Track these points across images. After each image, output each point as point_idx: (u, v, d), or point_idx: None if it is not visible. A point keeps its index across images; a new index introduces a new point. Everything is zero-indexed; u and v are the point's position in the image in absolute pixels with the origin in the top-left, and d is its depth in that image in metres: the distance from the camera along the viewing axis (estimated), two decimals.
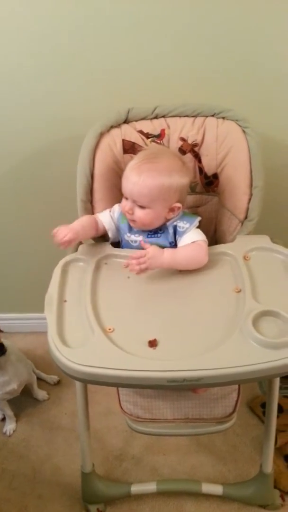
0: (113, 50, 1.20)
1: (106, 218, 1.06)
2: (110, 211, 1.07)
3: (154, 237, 1.02)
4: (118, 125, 1.08)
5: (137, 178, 0.94)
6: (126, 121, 1.09)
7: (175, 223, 1.00)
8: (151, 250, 0.93)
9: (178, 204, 0.98)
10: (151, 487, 1.26)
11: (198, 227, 1.00)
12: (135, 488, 1.26)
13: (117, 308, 0.91)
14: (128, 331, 0.85)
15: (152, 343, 0.82)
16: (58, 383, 1.67)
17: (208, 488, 1.26)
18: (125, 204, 0.99)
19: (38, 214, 1.55)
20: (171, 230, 1.01)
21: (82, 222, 1.04)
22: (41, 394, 1.62)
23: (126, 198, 0.98)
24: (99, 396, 1.53)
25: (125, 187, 0.97)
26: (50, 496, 1.34)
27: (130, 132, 1.08)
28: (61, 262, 1.01)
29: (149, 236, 1.02)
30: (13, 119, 1.35)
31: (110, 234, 1.07)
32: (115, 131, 1.07)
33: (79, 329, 0.86)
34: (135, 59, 1.21)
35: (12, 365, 1.41)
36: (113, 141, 1.07)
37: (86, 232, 1.04)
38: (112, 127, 1.07)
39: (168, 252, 0.94)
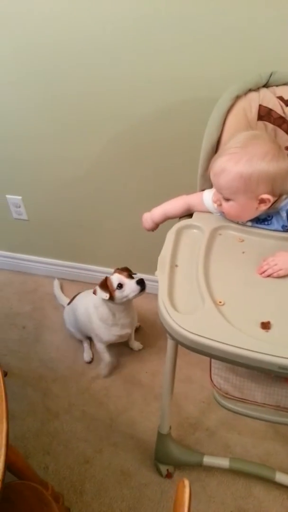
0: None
1: (209, 200, 1.02)
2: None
3: (263, 224, 0.97)
4: (257, 89, 1.01)
5: (215, 169, 0.90)
6: (266, 85, 1.01)
7: None
8: (280, 258, 0.87)
9: (267, 196, 0.90)
10: (224, 462, 1.25)
11: None
12: (208, 460, 1.26)
13: (229, 282, 0.88)
14: (240, 308, 0.81)
15: (265, 325, 0.78)
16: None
17: (282, 477, 1.23)
18: (215, 194, 0.96)
19: (152, 177, 1.53)
20: (284, 214, 0.95)
21: (170, 209, 1.07)
22: (136, 344, 1.69)
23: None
24: (181, 362, 1.53)
25: (211, 178, 0.94)
26: (123, 446, 1.40)
27: (268, 98, 1.00)
28: (176, 226, 1.00)
29: (257, 223, 0.97)
30: (132, 74, 1.30)
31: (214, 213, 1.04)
32: (252, 95, 1.00)
33: (189, 296, 0.84)
34: (279, 17, 1.09)
35: (132, 310, 1.50)
36: (249, 106, 1.00)
37: (173, 216, 1.07)
38: (250, 90, 1.00)
39: None
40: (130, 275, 1.39)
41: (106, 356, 1.57)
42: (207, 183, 1.04)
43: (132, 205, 1.63)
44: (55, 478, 1.32)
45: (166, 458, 1.29)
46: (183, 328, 0.76)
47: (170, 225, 1.01)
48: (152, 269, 0.90)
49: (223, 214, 0.99)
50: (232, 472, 1.30)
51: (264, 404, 1.02)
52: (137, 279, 1.36)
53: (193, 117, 1.32)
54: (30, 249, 1.99)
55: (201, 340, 0.75)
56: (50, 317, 1.85)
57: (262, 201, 0.92)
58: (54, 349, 1.71)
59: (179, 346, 1.04)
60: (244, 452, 1.37)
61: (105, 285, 1.37)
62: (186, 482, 0.60)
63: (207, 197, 1.03)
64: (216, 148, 1.03)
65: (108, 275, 1.39)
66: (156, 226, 1.12)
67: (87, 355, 1.67)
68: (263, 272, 0.88)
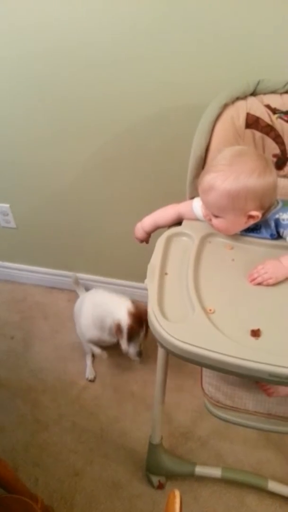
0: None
1: (199, 208, 1.02)
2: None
3: (253, 233, 0.97)
4: (244, 97, 1.01)
5: (203, 186, 0.90)
6: (253, 94, 1.02)
7: (276, 216, 0.94)
8: (270, 266, 0.87)
9: (255, 213, 0.90)
10: (216, 472, 1.24)
11: None
12: (200, 470, 1.25)
13: (220, 290, 0.87)
14: (230, 316, 0.81)
15: (255, 333, 0.77)
16: None
17: (274, 486, 1.22)
18: (204, 209, 0.96)
19: (147, 183, 1.53)
20: (272, 224, 0.95)
21: (160, 218, 1.08)
22: None
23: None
24: (171, 372, 1.52)
25: (200, 194, 0.94)
26: (114, 457, 1.38)
27: (256, 106, 1.01)
28: (165, 234, 1.00)
29: (247, 231, 0.97)
30: (119, 81, 1.30)
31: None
32: (240, 103, 1.01)
33: (178, 304, 0.84)
34: (271, 24, 1.10)
35: None
36: (237, 114, 1.00)
37: (163, 225, 1.07)
38: (238, 98, 1.01)
39: (286, 260, 0.88)
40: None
41: (95, 349, 1.56)
42: (196, 191, 1.04)
43: (126, 212, 1.61)
44: (45, 491, 1.29)
45: (157, 469, 1.28)
46: (173, 337, 0.75)
47: (160, 233, 1.01)
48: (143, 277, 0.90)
49: (212, 227, 0.99)
50: (224, 481, 1.29)
51: (255, 412, 1.02)
52: (137, 349, 1.42)
53: (185, 123, 1.32)
54: (19, 257, 1.97)
55: (191, 349, 0.74)
56: (39, 326, 1.83)
57: (250, 217, 0.92)
58: (43, 359, 1.69)
59: (170, 355, 1.05)
60: (236, 461, 1.36)
61: (118, 330, 1.39)
62: (177, 493, 0.59)
63: (196, 205, 1.02)
64: (205, 156, 1.03)
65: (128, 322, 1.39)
66: (147, 236, 1.11)
67: (89, 372, 1.63)
68: (253, 280, 0.87)
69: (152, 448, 1.25)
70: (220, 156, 0.90)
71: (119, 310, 1.40)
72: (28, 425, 1.46)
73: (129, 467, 1.35)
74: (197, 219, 1.04)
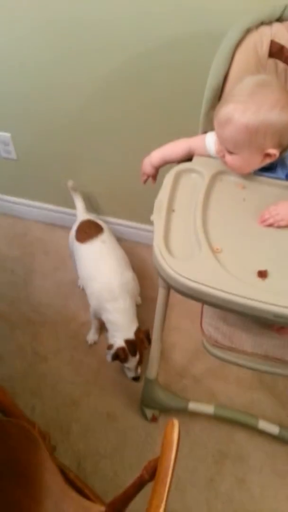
0: None
1: (212, 144, 0.96)
2: None
3: (268, 172, 0.93)
4: (269, 23, 0.92)
5: (220, 118, 0.84)
6: (279, 19, 0.93)
7: None
8: (282, 208, 0.84)
9: (273, 151, 0.84)
10: (208, 409, 1.28)
11: None
12: (193, 406, 1.29)
13: (228, 229, 0.85)
14: (237, 256, 0.79)
15: (262, 274, 0.76)
16: None
17: (264, 425, 1.26)
18: (217, 145, 0.91)
19: (155, 114, 1.44)
20: None
21: (170, 152, 1.02)
22: None
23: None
24: (170, 312, 1.53)
25: (215, 127, 0.88)
26: (111, 390, 1.42)
27: (281, 33, 0.92)
28: (174, 170, 0.95)
29: (261, 171, 0.92)
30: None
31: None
32: (265, 29, 0.92)
33: (185, 242, 0.81)
34: None
35: None
36: (260, 40, 0.92)
37: (172, 160, 1.02)
38: (262, 23, 0.92)
39: None
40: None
41: (95, 322, 1.51)
42: (210, 124, 0.98)
43: (132, 147, 1.53)
44: (42, 419, 1.34)
45: (152, 403, 1.32)
46: (178, 274, 0.74)
47: (168, 169, 0.96)
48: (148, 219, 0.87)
49: (226, 166, 0.94)
50: (216, 419, 1.33)
51: (252, 353, 1.02)
52: (133, 375, 1.36)
53: (200, 50, 1.22)
54: (20, 191, 1.91)
55: (197, 286, 0.73)
56: (40, 262, 1.82)
57: (267, 155, 0.86)
58: (44, 294, 1.69)
59: (170, 295, 1.04)
60: (229, 400, 1.40)
61: (123, 354, 1.29)
62: (175, 422, 0.60)
63: (210, 140, 0.97)
64: (222, 86, 0.96)
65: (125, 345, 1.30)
66: (155, 171, 1.06)
67: (92, 335, 1.54)
68: (264, 220, 0.84)
69: (148, 382, 1.28)
70: (241, 86, 0.83)
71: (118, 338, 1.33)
72: (27, 356, 1.49)
73: (125, 400, 1.39)
74: (209, 156, 0.99)
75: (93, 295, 1.39)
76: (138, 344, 1.31)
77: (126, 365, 1.33)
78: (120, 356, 1.30)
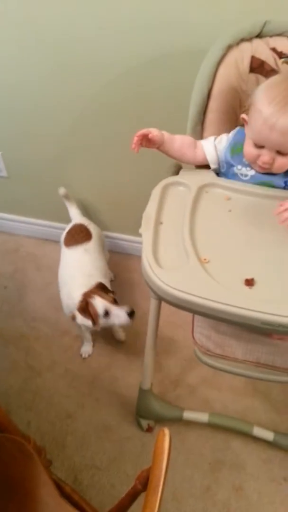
0: None
1: (209, 147, 0.99)
2: (215, 140, 1.00)
3: (270, 174, 0.95)
4: (249, 39, 0.96)
5: (283, 127, 0.81)
6: (259, 35, 0.96)
7: None
8: None
9: None
10: (203, 417, 1.29)
11: None
12: (187, 414, 1.30)
13: (215, 240, 0.87)
14: (224, 265, 0.81)
15: (249, 282, 0.78)
16: None
17: (259, 432, 1.27)
18: (257, 153, 0.88)
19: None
20: None
21: (177, 138, 0.99)
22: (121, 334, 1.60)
23: (258, 147, 0.88)
24: (163, 323, 1.54)
25: (259, 132, 0.85)
26: (105, 402, 1.42)
27: (261, 49, 0.96)
28: (162, 183, 0.98)
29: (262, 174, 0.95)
30: (116, 20, 1.21)
31: (212, 165, 1.01)
32: (245, 45, 0.96)
33: (173, 253, 0.83)
34: None
35: None
36: (241, 57, 0.95)
37: (177, 149, 0.99)
38: (242, 40, 0.95)
39: None
40: (114, 300, 1.26)
41: (86, 334, 1.51)
42: (198, 138, 1.01)
43: (124, 161, 1.56)
44: (37, 433, 1.34)
45: (147, 413, 1.32)
46: (167, 285, 0.76)
47: (155, 183, 0.99)
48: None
49: (261, 170, 0.93)
50: (211, 427, 1.34)
51: (244, 360, 1.04)
52: (128, 310, 1.23)
53: (186, 66, 1.25)
54: (11, 207, 1.93)
55: (185, 296, 0.75)
56: (32, 278, 1.82)
57: None
58: (36, 309, 1.70)
59: (162, 307, 1.05)
60: (223, 408, 1.41)
61: (86, 310, 1.22)
62: (166, 431, 0.61)
63: (209, 147, 0.99)
64: (207, 100, 0.99)
65: (88, 299, 1.24)
66: (146, 140, 0.97)
67: (85, 347, 1.54)
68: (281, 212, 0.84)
69: (143, 393, 1.29)
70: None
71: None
72: (21, 371, 1.49)
73: (120, 411, 1.40)
74: (200, 162, 1.01)
75: (63, 301, 1.41)
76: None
77: (106, 320, 1.24)
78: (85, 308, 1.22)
